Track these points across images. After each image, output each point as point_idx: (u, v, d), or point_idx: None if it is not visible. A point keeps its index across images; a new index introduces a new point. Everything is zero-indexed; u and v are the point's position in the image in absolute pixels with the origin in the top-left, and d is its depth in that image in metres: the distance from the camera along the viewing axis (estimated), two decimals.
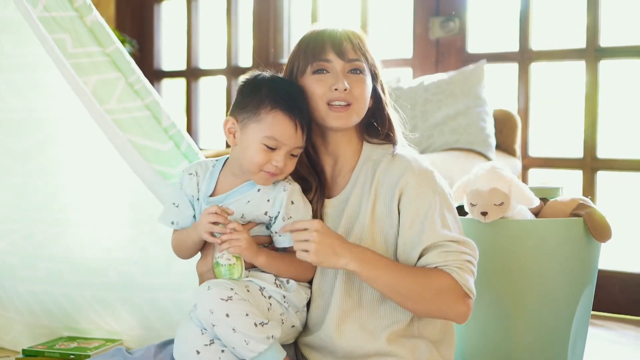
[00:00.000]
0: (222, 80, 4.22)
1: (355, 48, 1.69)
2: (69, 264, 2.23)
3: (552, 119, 4.11)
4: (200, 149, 2.26)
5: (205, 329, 1.59)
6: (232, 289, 1.57)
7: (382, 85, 1.75)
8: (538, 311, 2.06)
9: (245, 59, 4.15)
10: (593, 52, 3.11)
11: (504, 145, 3.19)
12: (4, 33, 2.04)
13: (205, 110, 4.35)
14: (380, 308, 1.68)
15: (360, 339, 1.66)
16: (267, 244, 1.72)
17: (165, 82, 4.53)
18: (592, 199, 2.84)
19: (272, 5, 3.97)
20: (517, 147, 3.20)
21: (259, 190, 1.69)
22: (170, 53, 4.50)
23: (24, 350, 2.25)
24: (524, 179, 3.30)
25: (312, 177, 1.75)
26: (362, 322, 1.67)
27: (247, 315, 1.55)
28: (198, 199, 1.73)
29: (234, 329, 1.54)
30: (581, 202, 2.10)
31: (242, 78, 1.73)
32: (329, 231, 1.60)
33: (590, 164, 3.14)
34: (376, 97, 1.74)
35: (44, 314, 2.35)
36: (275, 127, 1.62)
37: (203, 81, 4.35)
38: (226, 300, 1.55)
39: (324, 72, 1.68)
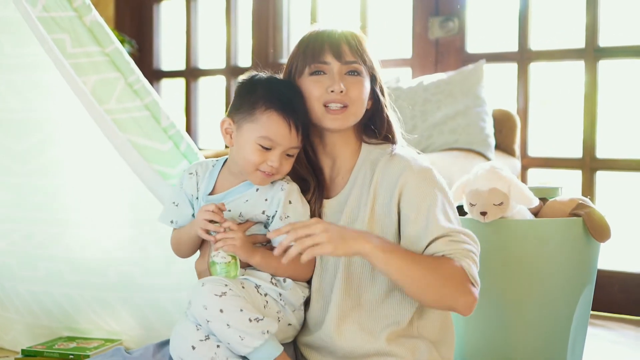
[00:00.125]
0: (221, 80, 4.21)
1: (353, 50, 1.69)
2: (69, 264, 2.23)
3: (552, 119, 4.11)
4: (200, 149, 2.26)
5: (200, 325, 1.58)
6: (226, 285, 1.57)
7: (381, 87, 1.75)
8: (538, 311, 2.06)
9: (244, 59, 4.14)
10: (592, 52, 3.11)
11: (504, 145, 3.19)
12: (4, 33, 2.04)
13: (204, 110, 4.34)
14: (380, 308, 1.68)
15: (360, 339, 1.66)
16: (265, 243, 1.72)
17: (165, 82, 4.52)
18: (592, 199, 2.83)
19: (271, 5, 3.96)
20: (517, 147, 3.20)
21: (257, 189, 1.69)
22: (169, 53, 4.49)
23: (23, 351, 2.25)
24: (523, 178, 3.30)
25: (311, 177, 1.75)
26: (362, 322, 1.67)
27: (241, 310, 1.55)
28: (197, 198, 1.74)
29: (228, 325, 1.54)
30: (580, 202, 2.10)
31: (240, 79, 1.74)
32: (330, 223, 1.58)
33: (589, 164, 3.14)
34: (375, 99, 1.74)
35: (44, 314, 2.35)
36: (269, 127, 1.63)
37: (202, 81, 4.34)
38: (220, 296, 1.55)
39: (321, 73, 1.68)
